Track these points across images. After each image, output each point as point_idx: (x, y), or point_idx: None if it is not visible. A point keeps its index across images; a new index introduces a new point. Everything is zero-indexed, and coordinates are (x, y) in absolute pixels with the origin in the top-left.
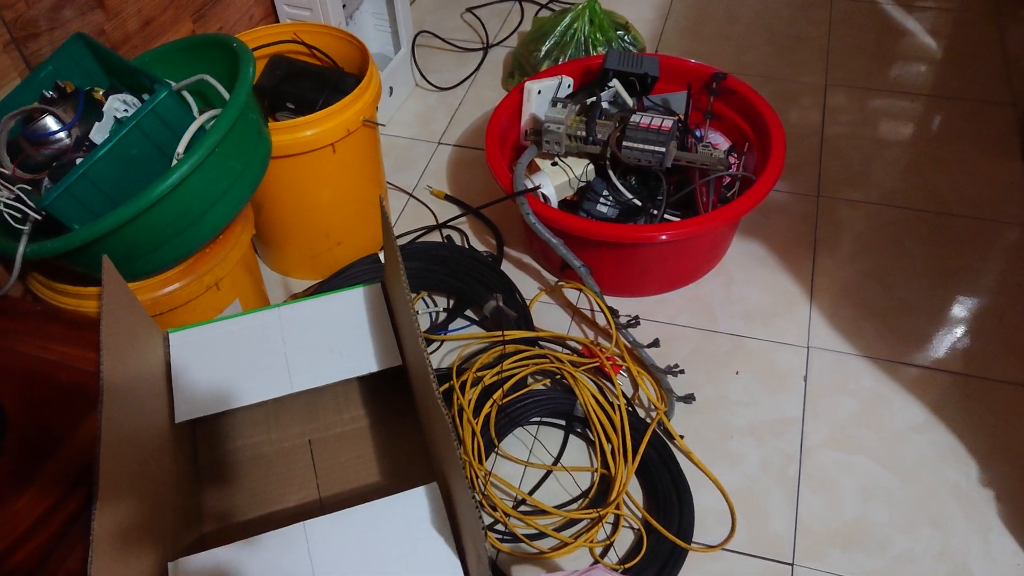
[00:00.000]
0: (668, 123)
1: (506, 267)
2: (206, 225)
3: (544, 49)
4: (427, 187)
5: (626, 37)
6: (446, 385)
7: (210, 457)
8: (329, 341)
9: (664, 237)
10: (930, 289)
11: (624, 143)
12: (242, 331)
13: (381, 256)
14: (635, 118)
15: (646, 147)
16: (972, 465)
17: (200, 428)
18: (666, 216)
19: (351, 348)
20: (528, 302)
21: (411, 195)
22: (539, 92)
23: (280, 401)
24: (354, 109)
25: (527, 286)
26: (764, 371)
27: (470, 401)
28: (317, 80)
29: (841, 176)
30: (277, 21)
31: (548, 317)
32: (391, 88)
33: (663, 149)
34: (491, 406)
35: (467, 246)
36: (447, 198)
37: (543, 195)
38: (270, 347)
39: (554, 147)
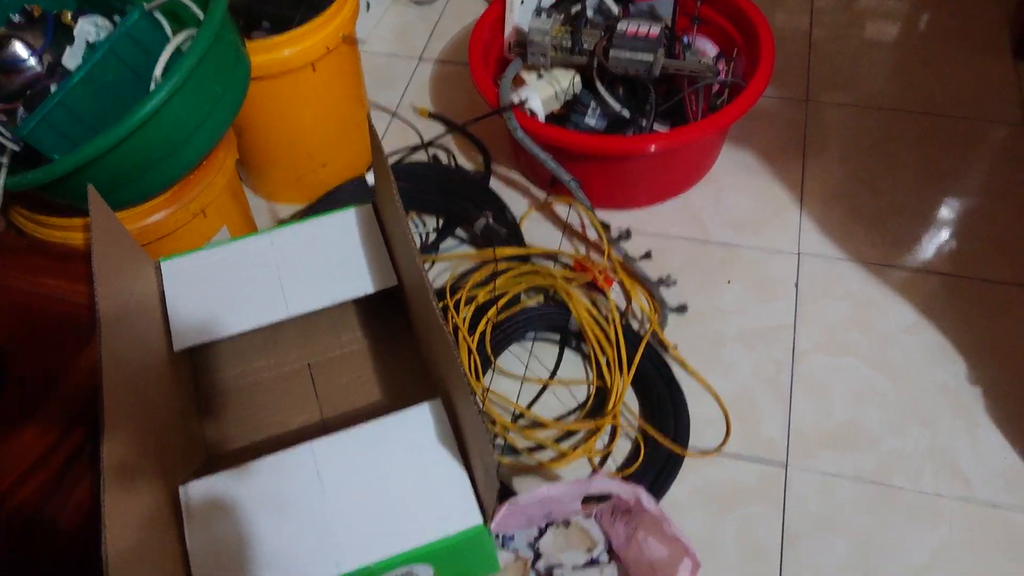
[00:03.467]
0: (655, 30)
1: (495, 184)
2: (189, 150)
3: None
4: (411, 106)
5: None
6: (440, 305)
7: (210, 385)
8: (323, 264)
9: (653, 148)
10: (920, 191)
11: (611, 52)
12: (235, 257)
13: (368, 178)
14: (621, 26)
15: (634, 56)
16: (961, 364)
17: (198, 356)
18: (655, 127)
19: (346, 270)
20: (518, 219)
21: (394, 114)
22: (521, 1)
23: (277, 326)
24: (333, 25)
25: (516, 203)
26: (756, 279)
27: (464, 319)
28: None
29: (829, 79)
30: None
31: (539, 233)
32: (368, 3)
33: (651, 57)
34: (486, 324)
35: (454, 165)
36: (432, 116)
37: (530, 110)
38: (264, 272)
39: (539, 59)
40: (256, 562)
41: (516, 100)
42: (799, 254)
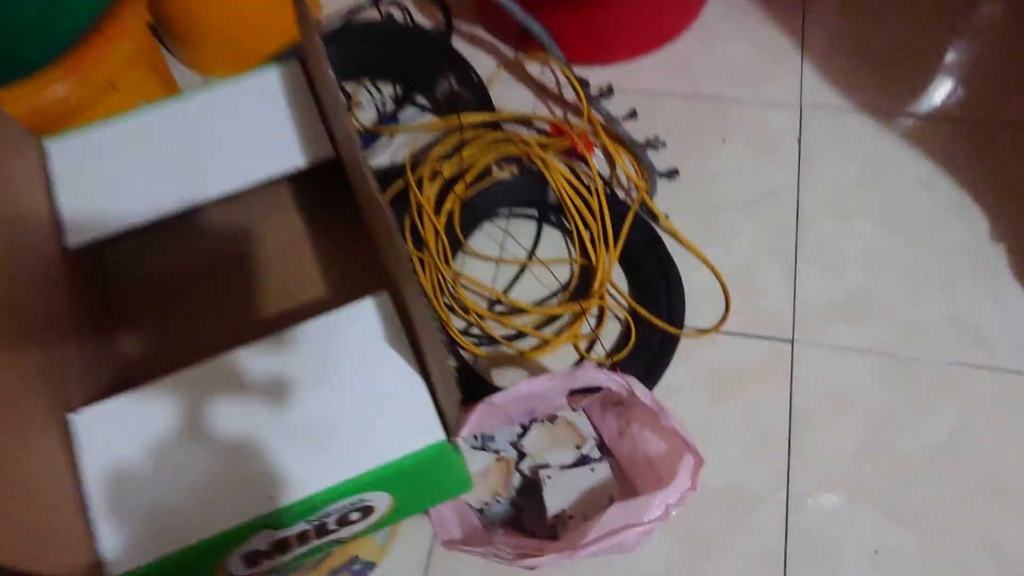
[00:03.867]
0: None
1: (457, 43)
2: (68, 4)
3: None
4: None
5: None
6: (399, 183)
7: (121, 287)
8: (247, 136)
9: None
10: (933, 25)
11: None
12: (138, 131)
13: None
14: None
15: None
16: (982, 219)
17: (104, 254)
18: None
19: (273, 142)
20: (485, 81)
21: None
22: None
23: (196, 212)
24: None
25: (483, 63)
26: (754, 137)
27: (429, 198)
28: None
29: None
30: None
31: (510, 96)
32: None
33: None
34: (453, 201)
35: (410, 22)
36: None
37: None
38: (175, 148)
39: None
40: (168, 501)
41: None
42: (801, 106)
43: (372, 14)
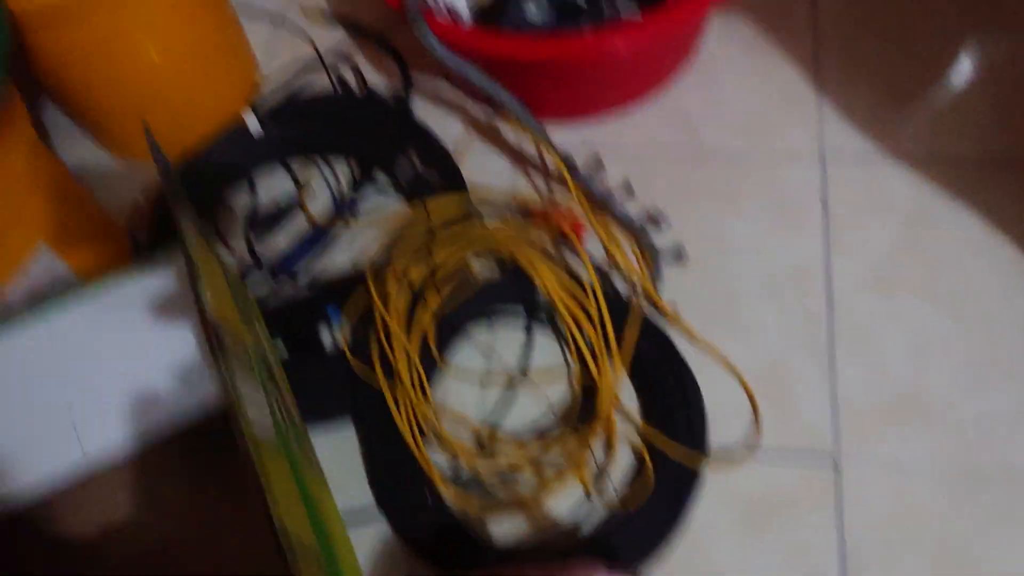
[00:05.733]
0: None
1: (419, 104)
2: None
3: None
4: (300, 6)
5: None
6: (361, 294)
7: None
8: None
9: (624, 49)
10: (966, 46)
11: None
12: None
13: (249, 121)
14: None
15: None
16: None
17: None
18: (618, 7)
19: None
20: (454, 151)
21: (278, 21)
22: None
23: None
24: None
25: (450, 127)
26: (770, 199)
27: (399, 311)
28: None
29: None
30: None
31: (483, 167)
32: None
33: None
34: (427, 317)
35: (363, 86)
36: (329, 19)
37: (448, 8)
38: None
39: None
40: None
41: (428, 1)
42: (822, 156)
43: (319, 76)
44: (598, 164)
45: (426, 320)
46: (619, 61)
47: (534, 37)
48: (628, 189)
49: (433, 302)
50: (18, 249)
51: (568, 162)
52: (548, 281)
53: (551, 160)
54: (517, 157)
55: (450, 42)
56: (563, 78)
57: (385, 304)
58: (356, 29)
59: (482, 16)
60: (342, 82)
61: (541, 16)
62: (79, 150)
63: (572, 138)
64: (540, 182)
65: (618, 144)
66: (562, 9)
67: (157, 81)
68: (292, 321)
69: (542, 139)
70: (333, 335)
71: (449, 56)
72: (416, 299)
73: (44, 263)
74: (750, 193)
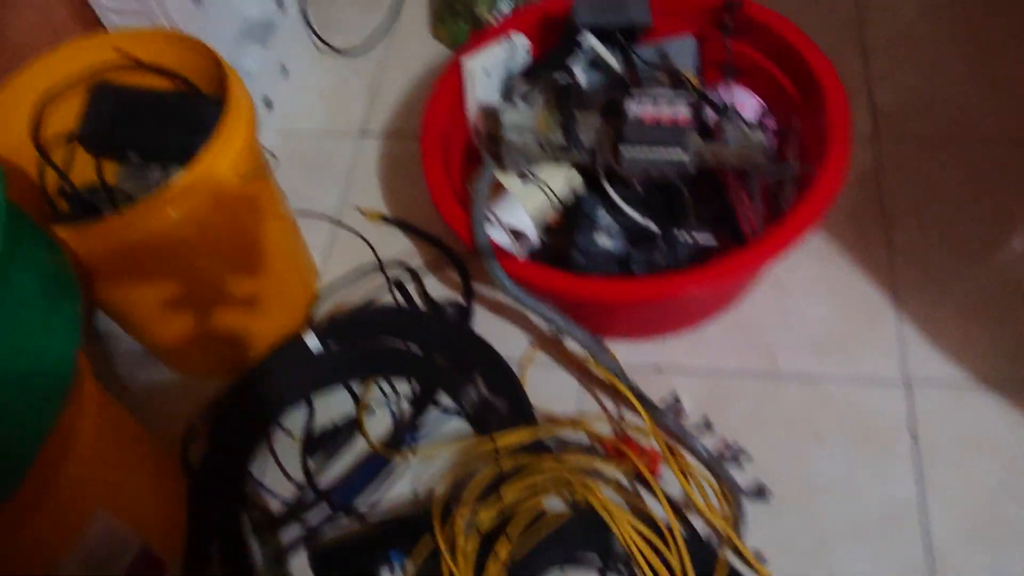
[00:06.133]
0: (683, 109)
1: (481, 314)
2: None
3: None
4: (356, 207)
5: None
6: (426, 540)
7: None
8: None
9: (705, 291)
10: None
11: (624, 152)
12: None
13: (309, 340)
14: (634, 107)
15: (657, 154)
16: None
17: None
18: (695, 236)
19: None
20: (519, 367)
21: (336, 222)
22: (486, 72)
23: None
24: (227, 157)
25: (514, 340)
26: (855, 429)
27: (468, 556)
28: (162, 111)
29: (899, 104)
30: (95, 25)
31: (549, 386)
32: (283, 67)
33: (682, 155)
34: (497, 568)
35: (423, 294)
36: (386, 220)
37: (516, 232)
38: None
39: (521, 162)
40: None
41: (500, 233)
42: (907, 382)
43: (379, 284)
44: (676, 403)
45: (496, 572)
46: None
47: (609, 278)
48: (706, 423)
49: (503, 552)
50: (76, 517)
51: (642, 397)
52: (624, 529)
53: (624, 392)
54: (584, 373)
55: (524, 279)
56: (636, 310)
57: (452, 552)
58: (414, 232)
59: (549, 234)
60: (402, 291)
61: (613, 244)
62: (134, 363)
63: (640, 356)
64: (610, 404)
65: (689, 364)
66: (634, 236)
67: (210, 307)
68: (351, 562)
69: (617, 376)
70: None
71: (522, 295)
72: (485, 545)
73: (101, 526)
74: (831, 422)
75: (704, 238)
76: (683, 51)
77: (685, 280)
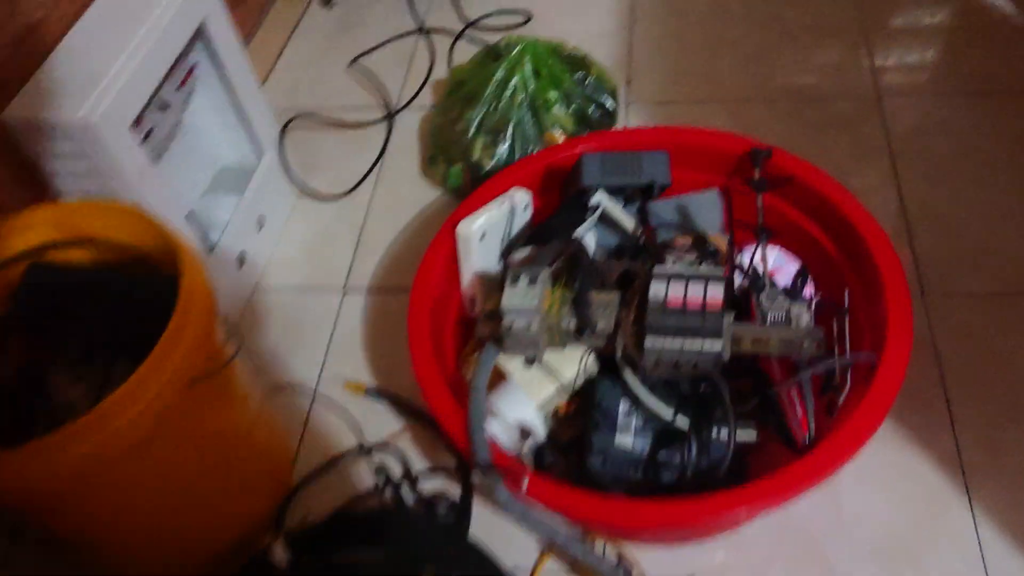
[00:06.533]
0: (716, 291)
1: (481, 517)
2: None
3: (474, 121)
4: (340, 377)
5: (588, 80)
6: None
7: None
8: None
9: (751, 515)
10: None
11: (647, 341)
12: None
13: (276, 551)
14: (657, 291)
15: (687, 345)
16: None
17: None
18: (737, 433)
19: None
20: None
21: (314, 396)
22: (482, 236)
23: None
24: (167, 372)
25: (519, 547)
26: None
27: None
28: (107, 295)
29: (948, 260)
30: (42, 189)
31: None
32: (260, 217)
33: (717, 346)
34: None
35: (412, 488)
36: (370, 393)
37: (523, 429)
38: None
39: (527, 351)
40: None
41: (501, 429)
42: None
43: (360, 466)
44: None
45: None
46: None
47: (633, 499)
48: None
49: None
50: None
51: None
52: None
53: None
54: None
55: (536, 496)
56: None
57: None
58: (404, 408)
59: (558, 423)
60: (387, 483)
61: (635, 443)
62: None
63: (671, 566)
64: None
65: (731, 563)
66: (661, 434)
67: (169, 504)
68: None
69: None
70: None
71: (534, 520)
72: None
73: None
74: None
75: (746, 435)
76: (707, 207)
77: (727, 502)
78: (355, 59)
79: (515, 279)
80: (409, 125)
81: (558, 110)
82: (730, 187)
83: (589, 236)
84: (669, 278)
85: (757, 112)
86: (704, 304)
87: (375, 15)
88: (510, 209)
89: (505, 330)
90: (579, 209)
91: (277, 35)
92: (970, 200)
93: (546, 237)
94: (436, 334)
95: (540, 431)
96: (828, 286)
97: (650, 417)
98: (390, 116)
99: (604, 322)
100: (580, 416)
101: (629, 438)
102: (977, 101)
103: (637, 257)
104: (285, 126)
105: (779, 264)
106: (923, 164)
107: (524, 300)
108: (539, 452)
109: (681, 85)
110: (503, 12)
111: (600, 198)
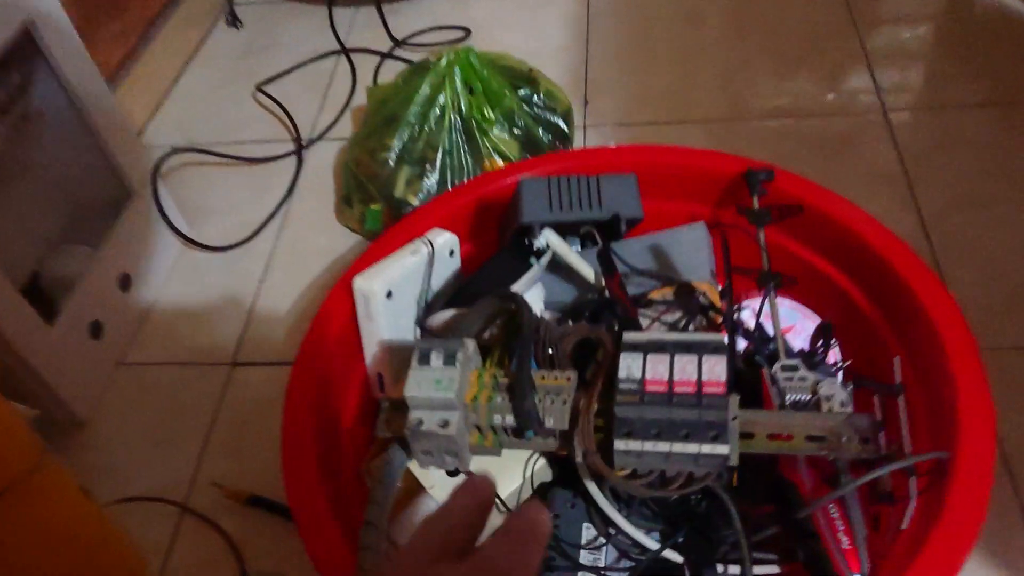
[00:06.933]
0: (716, 364)
1: None
2: None
3: (395, 149)
4: (213, 482)
5: (535, 98)
6: None
7: None
8: None
9: None
10: None
11: (618, 443)
12: None
13: None
14: (630, 367)
15: (677, 449)
16: None
17: None
18: (746, 569)
19: None
20: None
21: (184, 507)
22: (389, 294)
23: None
24: None
25: None
26: None
27: None
28: None
29: (990, 305)
30: None
31: None
32: (124, 277)
33: (722, 449)
34: None
35: None
36: (252, 502)
37: None
38: None
39: (446, 460)
40: None
41: None
42: None
43: None
44: None
45: None
46: None
47: None
48: None
49: None
50: None
51: None
52: None
53: None
54: None
55: None
56: None
57: None
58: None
59: None
60: None
61: None
62: None
63: None
64: None
65: None
66: (644, 572)
67: None
68: None
69: None
70: None
71: None
72: None
73: None
74: None
75: (767, 571)
76: (692, 247)
77: None
78: (262, 85)
79: (424, 357)
80: (323, 160)
81: (498, 133)
82: (721, 220)
83: (534, 291)
84: (646, 349)
85: (740, 133)
86: (700, 385)
87: (289, 35)
88: (428, 257)
89: (411, 431)
90: (520, 255)
91: (170, 60)
92: (1002, 225)
93: (477, 293)
94: (327, 430)
95: None
96: (859, 351)
97: (627, 549)
98: (300, 150)
99: (555, 417)
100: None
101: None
102: (997, 112)
103: (599, 318)
104: (160, 162)
105: (792, 322)
106: (944, 187)
107: (437, 388)
108: None
109: (648, 104)
110: (438, 28)
111: (548, 238)
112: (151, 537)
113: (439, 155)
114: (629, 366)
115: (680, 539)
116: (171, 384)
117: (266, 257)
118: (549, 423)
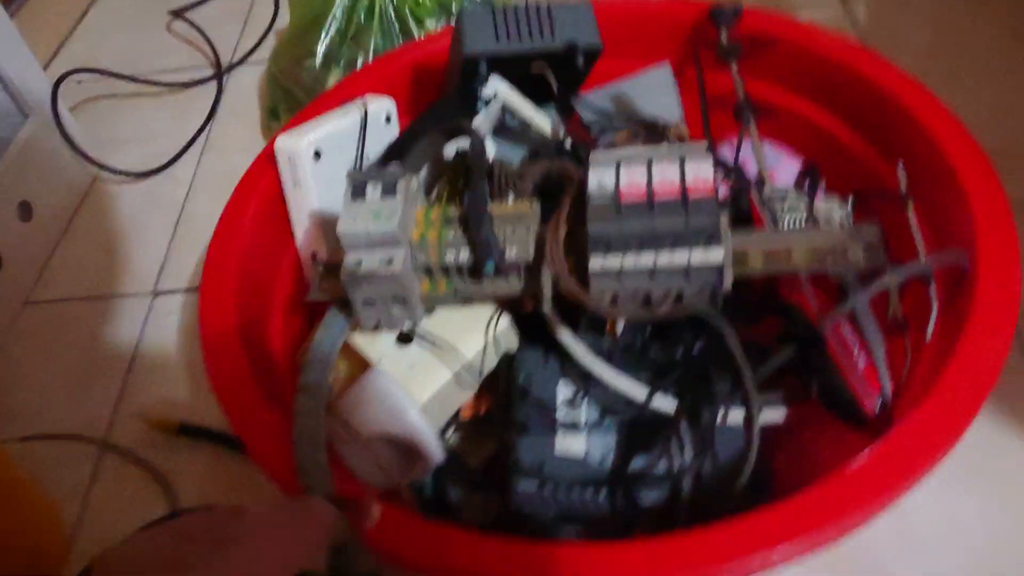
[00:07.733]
0: (701, 168)
1: None
2: None
3: (321, 49)
4: (140, 414)
5: None
6: None
7: None
8: None
9: (811, 551)
10: None
11: (593, 261)
12: None
13: None
14: (602, 179)
15: (662, 261)
16: None
17: None
18: (751, 410)
19: None
20: None
21: (104, 444)
22: (318, 155)
23: None
24: None
25: None
26: None
27: None
28: None
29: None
30: None
31: None
32: (24, 204)
33: (715, 256)
34: None
35: None
36: (183, 431)
37: (401, 446)
38: None
39: (393, 315)
40: None
41: (365, 457)
42: None
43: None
44: None
45: None
46: None
47: (594, 543)
48: None
49: None
50: None
51: None
52: None
53: None
54: None
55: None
56: None
57: None
58: (234, 449)
59: (462, 435)
60: None
61: (590, 448)
62: None
63: None
64: None
65: None
66: (631, 428)
67: None
68: None
69: None
70: None
71: None
72: None
73: None
74: None
75: (773, 414)
76: (658, 90)
77: (763, 534)
78: (179, 12)
79: (358, 189)
80: (247, 85)
81: (435, 25)
82: (692, 57)
83: (488, 142)
84: (619, 162)
85: None
86: (684, 191)
87: None
88: (361, 121)
89: (349, 275)
90: (464, 104)
91: None
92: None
93: (417, 144)
94: (253, 322)
95: (433, 449)
96: (847, 189)
97: (611, 403)
98: (220, 75)
99: (518, 245)
100: (497, 418)
101: (578, 441)
102: None
103: (563, 156)
104: (60, 81)
105: (774, 164)
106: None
107: (376, 220)
108: (438, 486)
109: None
110: None
111: (496, 87)
112: (67, 479)
113: (371, 53)
114: (600, 178)
115: (671, 386)
116: (86, 319)
117: (187, 183)
118: (511, 254)
